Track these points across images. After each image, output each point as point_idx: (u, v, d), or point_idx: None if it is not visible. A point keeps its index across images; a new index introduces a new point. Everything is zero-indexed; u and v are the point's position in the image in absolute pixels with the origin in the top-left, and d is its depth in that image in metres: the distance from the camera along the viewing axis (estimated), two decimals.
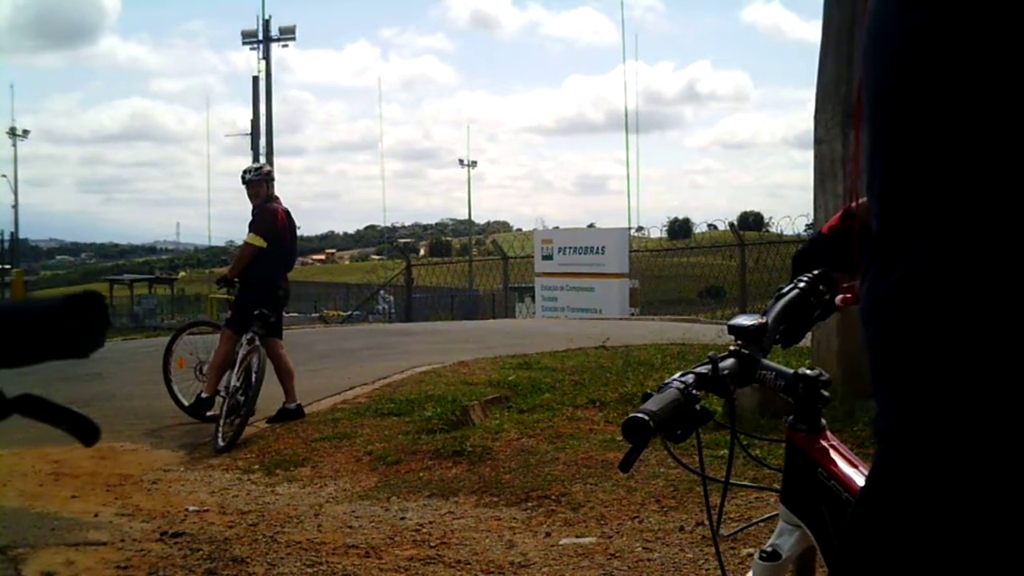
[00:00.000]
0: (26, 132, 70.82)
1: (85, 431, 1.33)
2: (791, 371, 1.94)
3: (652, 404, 1.65)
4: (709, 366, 1.79)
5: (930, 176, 1.29)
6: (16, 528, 5.89)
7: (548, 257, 25.60)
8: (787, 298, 1.99)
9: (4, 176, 65.46)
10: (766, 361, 1.91)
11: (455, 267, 37.34)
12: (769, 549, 2.01)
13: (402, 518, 5.95)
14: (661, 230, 34.90)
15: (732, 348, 1.86)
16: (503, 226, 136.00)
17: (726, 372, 1.79)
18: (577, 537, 5.40)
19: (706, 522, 5.33)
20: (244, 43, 47.53)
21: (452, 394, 8.98)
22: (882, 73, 1.39)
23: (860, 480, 1.85)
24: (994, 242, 1.23)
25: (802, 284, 2.02)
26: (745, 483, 2.12)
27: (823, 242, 2.05)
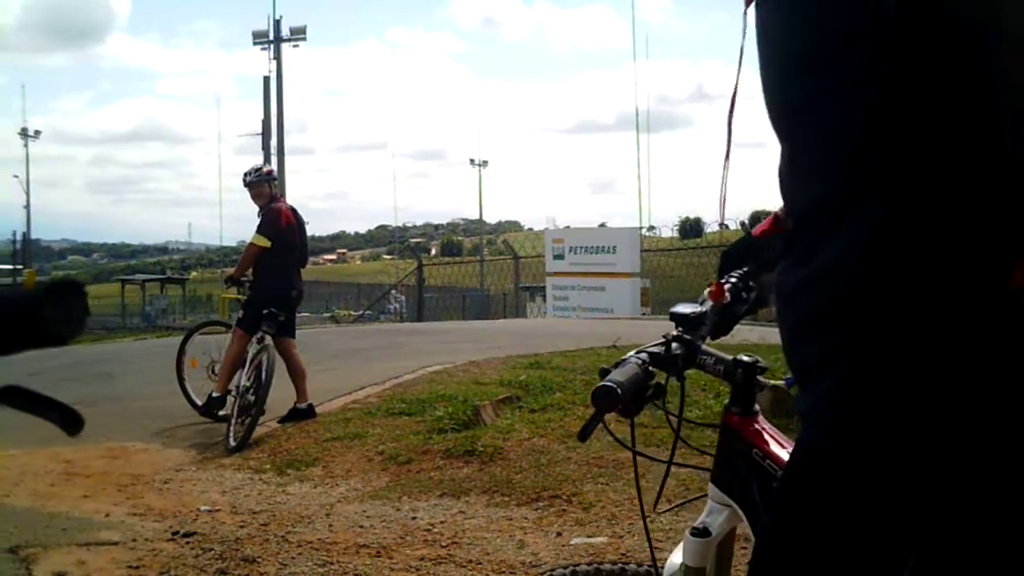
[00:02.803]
0: (38, 133, 70.97)
1: (70, 421, 1.32)
2: (730, 357, 2.05)
3: (618, 375, 1.73)
4: (663, 346, 1.88)
5: (834, 173, 1.36)
6: (28, 528, 5.90)
7: (559, 257, 25.61)
8: None
9: (16, 176, 65.67)
10: (705, 347, 2.00)
11: (466, 267, 37.37)
12: (701, 526, 2.13)
13: (413, 518, 5.94)
14: (672, 229, 35.07)
15: (674, 334, 1.93)
16: (514, 226, 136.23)
17: (678, 353, 1.87)
18: (588, 537, 5.39)
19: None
20: (255, 43, 47.51)
21: (463, 394, 8.97)
22: (773, 85, 1.48)
23: None
24: (896, 232, 1.28)
25: (733, 279, 2.11)
26: (689, 464, 2.23)
27: (753, 244, 2.13)
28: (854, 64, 1.30)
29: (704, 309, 1.96)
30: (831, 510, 1.41)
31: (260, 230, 9.27)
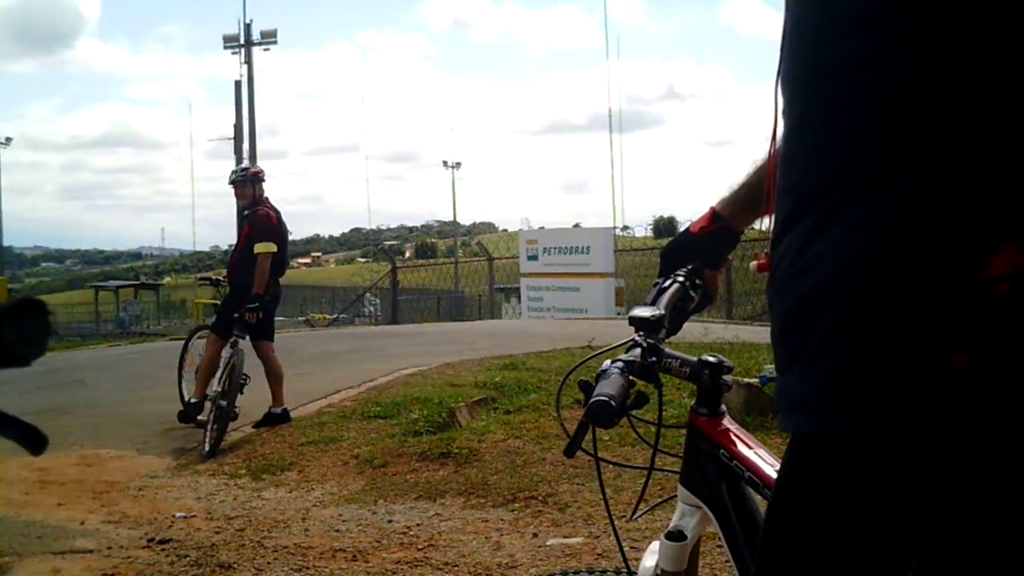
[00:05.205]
0: (8, 139, 70.25)
1: (32, 440, 1.30)
2: (695, 358, 2.05)
3: (608, 388, 1.71)
4: (638, 352, 1.84)
5: (842, 152, 1.31)
6: (2, 536, 5.86)
7: (533, 257, 25.62)
8: (670, 291, 2.05)
9: None
10: (668, 350, 1.99)
11: (441, 269, 37.28)
12: (675, 530, 2.11)
13: (389, 521, 5.94)
14: (646, 229, 35.04)
15: (637, 338, 1.90)
16: (488, 227, 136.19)
17: (655, 360, 1.86)
18: (564, 538, 5.40)
19: None
20: (226, 47, 47.15)
21: (438, 396, 8.97)
22: (804, 58, 1.41)
23: (758, 459, 1.96)
24: (901, 218, 1.24)
25: (680, 278, 2.09)
26: (668, 469, 2.24)
27: (694, 241, 2.11)
28: (902, 34, 1.25)
29: (662, 311, 1.94)
30: (832, 503, 1.37)
31: (261, 238, 9.13)
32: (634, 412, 1.90)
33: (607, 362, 1.80)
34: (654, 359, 1.85)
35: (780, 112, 1.49)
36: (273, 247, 9.11)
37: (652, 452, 2.11)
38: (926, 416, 1.25)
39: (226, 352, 8.97)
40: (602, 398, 1.67)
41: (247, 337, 9.03)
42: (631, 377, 1.77)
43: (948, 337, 1.23)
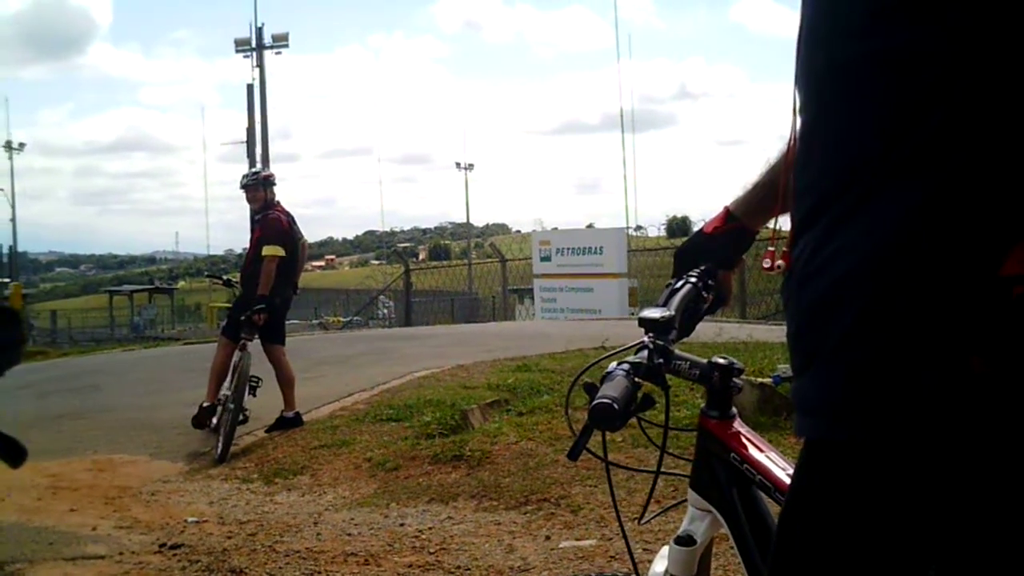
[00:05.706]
0: (22, 145, 70.43)
1: (12, 452, 1.26)
2: (705, 361, 2.01)
3: (611, 391, 1.68)
4: (645, 355, 1.82)
5: (858, 153, 1.30)
6: (14, 543, 5.86)
7: (546, 258, 25.59)
8: (682, 292, 2.01)
9: (1, 190, 65.16)
10: (678, 352, 1.95)
11: (454, 270, 37.31)
12: (685, 535, 2.08)
13: (401, 524, 5.92)
14: (659, 229, 34.92)
15: (647, 340, 1.87)
16: (501, 228, 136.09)
17: (661, 362, 1.83)
18: (577, 540, 5.37)
19: None
20: (238, 51, 47.18)
21: (451, 398, 8.95)
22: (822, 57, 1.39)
23: (769, 463, 1.93)
24: (912, 222, 1.23)
25: (693, 279, 2.04)
26: (677, 472, 2.22)
27: (707, 241, 2.08)
28: (928, 32, 1.22)
29: (671, 312, 1.91)
30: (846, 508, 1.35)
31: (270, 241, 9.12)
32: (644, 414, 1.87)
33: (612, 364, 1.77)
34: (660, 361, 1.82)
35: (797, 110, 1.47)
36: (280, 251, 9.07)
37: (659, 455, 2.08)
38: (941, 418, 1.23)
39: (236, 355, 8.95)
40: (604, 400, 1.65)
41: (255, 339, 9.02)
42: (637, 379, 1.74)
43: (964, 338, 1.20)
